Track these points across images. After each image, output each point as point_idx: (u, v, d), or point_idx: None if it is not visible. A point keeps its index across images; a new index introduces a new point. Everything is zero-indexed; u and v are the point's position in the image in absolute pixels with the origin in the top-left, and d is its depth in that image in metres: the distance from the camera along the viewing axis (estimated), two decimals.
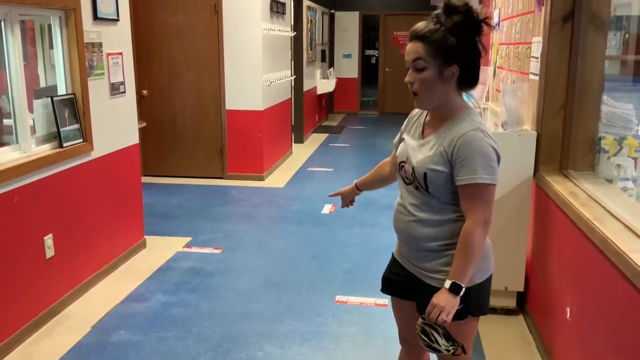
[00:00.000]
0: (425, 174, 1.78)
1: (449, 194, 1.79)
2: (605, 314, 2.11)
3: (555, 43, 2.96)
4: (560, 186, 2.78)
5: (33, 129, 3.32)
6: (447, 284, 1.74)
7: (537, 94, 3.12)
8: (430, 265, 1.85)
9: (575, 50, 2.91)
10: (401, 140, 2.00)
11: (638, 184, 2.84)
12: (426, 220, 1.83)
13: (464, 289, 1.73)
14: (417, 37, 1.75)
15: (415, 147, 1.87)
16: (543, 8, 3.08)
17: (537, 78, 3.14)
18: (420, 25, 1.76)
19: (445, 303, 1.72)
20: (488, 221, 1.75)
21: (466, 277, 1.74)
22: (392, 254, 2.08)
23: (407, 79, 1.79)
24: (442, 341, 1.75)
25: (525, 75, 3.49)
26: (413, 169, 1.82)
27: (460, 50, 1.73)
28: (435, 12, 1.77)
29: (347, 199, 2.32)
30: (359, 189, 2.28)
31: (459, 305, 1.75)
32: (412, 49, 1.76)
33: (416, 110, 1.98)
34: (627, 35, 4.12)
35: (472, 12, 1.73)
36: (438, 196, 1.80)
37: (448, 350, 1.76)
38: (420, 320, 1.79)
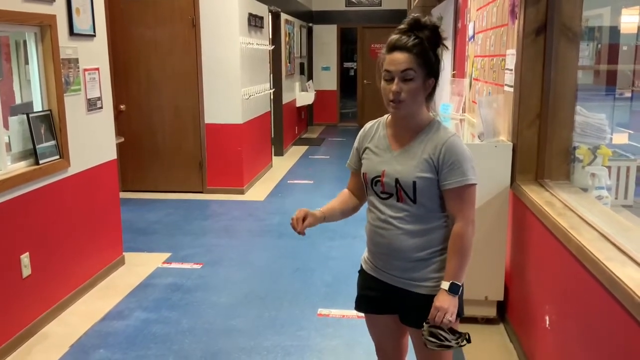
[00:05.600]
0: (414, 182, 1.82)
1: (436, 199, 1.85)
2: (583, 321, 2.14)
3: (529, 55, 3.01)
4: (536, 196, 2.82)
5: (8, 146, 3.28)
6: (446, 285, 1.82)
7: (512, 105, 3.17)
8: (419, 274, 1.88)
9: (549, 61, 2.96)
10: (360, 159, 2.00)
11: (612, 193, 2.90)
12: (413, 231, 1.86)
13: (461, 288, 1.83)
14: (404, 48, 1.76)
15: (390, 159, 1.88)
16: (516, 21, 3.13)
17: (511, 90, 3.19)
18: (402, 37, 1.78)
19: (447, 304, 1.81)
20: (474, 220, 1.85)
21: (462, 277, 1.84)
22: (361, 271, 2.08)
23: (394, 88, 1.77)
24: (450, 337, 1.82)
25: (501, 87, 3.54)
26: (397, 180, 1.84)
27: (436, 63, 1.82)
28: (402, 27, 1.80)
29: (309, 226, 1.94)
30: (325, 218, 2.00)
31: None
32: (400, 59, 1.76)
33: (368, 127, 2.01)
34: (599, 46, 4.21)
35: (438, 28, 1.80)
36: (424, 204, 1.84)
37: (457, 343, 1.82)
38: (425, 326, 1.83)
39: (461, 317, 1.90)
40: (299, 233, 1.92)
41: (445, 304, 1.80)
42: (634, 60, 4.00)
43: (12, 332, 3.14)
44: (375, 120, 2.01)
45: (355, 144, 2.04)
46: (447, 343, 1.81)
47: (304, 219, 1.93)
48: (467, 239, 1.83)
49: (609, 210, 2.60)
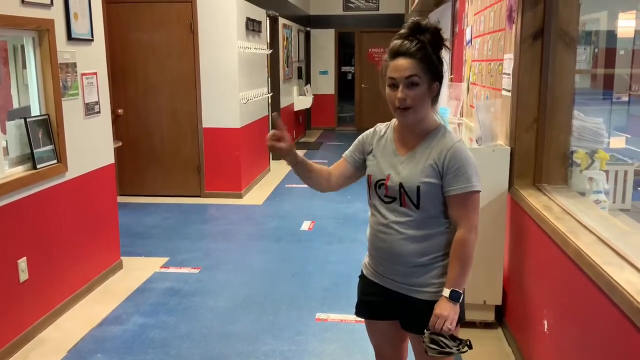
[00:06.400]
0: (418, 187, 1.81)
1: (439, 205, 1.84)
2: (581, 325, 2.14)
3: (526, 59, 3.02)
4: (534, 200, 2.82)
5: (6, 151, 3.27)
6: (447, 292, 1.82)
7: (510, 110, 3.17)
8: (419, 280, 1.88)
9: (546, 66, 2.97)
10: (362, 154, 1.98)
11: (610, 197, 2.90)
12: (415, 236, 1.85)
13: (462, 295, 1.83)
14: (407, 53, 1.76)
15: (396, 163, 1.88)
16: (513, 26, 3.14)
17: (509, 94, 3.20)
18: (404, 42, 1.77)
19: (448, 312, 1.80)
20: (477, 227, 1.84)
21: (463, 284, 1.83)
22: (362, 277, 2.07)
23: (399, 95, 1.77)
24: (451, 343, 1.82)
25: (498, 91, 3.54)
26: (401, 184, 1.84)
27: (440, 66, 1.82)
28: (402, 31, 1.80)
29: (281, 147, 1.89)
30: (297, 163, 1.99)
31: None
32: (404, 65, 1.76)
33: (380, 127, 2.00)
34: (596, 50, 4.22)
35: (439, 31, 1.80)
36: (428, 210, 1.84)
37: (458, 350, 1.82)
38: (426, 333, 1.83)
39: (462, 322, 1.89)
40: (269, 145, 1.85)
41: (445, 312, 1.80)
42: (631, 64, 4.01)
43: (9, 337, 3.12)
44: (387, 123, 2.01)
45: (362, 138, 2.01)
46: (447, 350, 1.81)
47: (280, 143, 1.87)
48: (469, 246, 1.82)
49: (606, 215, 2.60)
